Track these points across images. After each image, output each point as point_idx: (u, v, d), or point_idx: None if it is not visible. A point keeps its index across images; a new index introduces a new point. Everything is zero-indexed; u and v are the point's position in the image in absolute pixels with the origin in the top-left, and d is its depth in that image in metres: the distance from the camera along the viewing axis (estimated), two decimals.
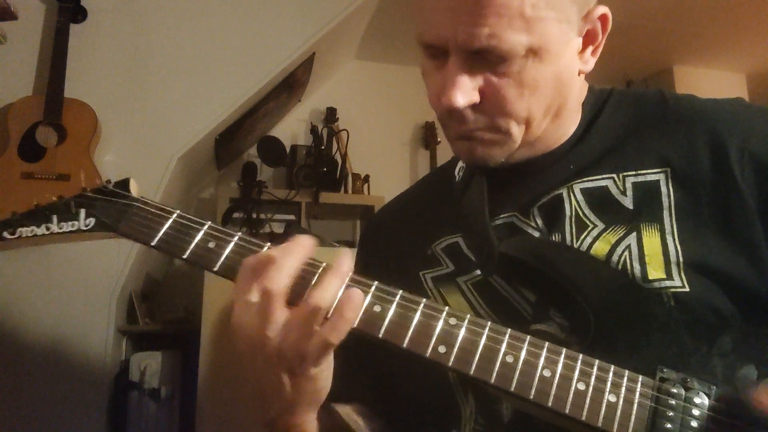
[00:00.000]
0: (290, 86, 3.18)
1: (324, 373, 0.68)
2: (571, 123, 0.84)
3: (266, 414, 0.72)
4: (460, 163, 0.94)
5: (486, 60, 0.71)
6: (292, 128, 3.74)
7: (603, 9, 0.77)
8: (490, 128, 0.76)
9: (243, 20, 2.83)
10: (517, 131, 0.76)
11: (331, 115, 3.68)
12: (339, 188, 3.53)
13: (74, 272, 2.51)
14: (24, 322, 2.44)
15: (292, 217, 3.41)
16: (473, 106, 0.74)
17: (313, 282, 0.68)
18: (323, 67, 3.45)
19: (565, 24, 0.72)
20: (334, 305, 0.66)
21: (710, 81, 4.16)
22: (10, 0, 2.50)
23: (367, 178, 3.67)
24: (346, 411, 0.84)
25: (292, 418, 0.71)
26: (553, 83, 0.75)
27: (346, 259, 0.69)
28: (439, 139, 3.89)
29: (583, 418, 0.62)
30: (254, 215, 3.21)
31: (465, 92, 0.72)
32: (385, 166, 3.81)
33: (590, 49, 0.79)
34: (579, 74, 0.80)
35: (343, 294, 0.67)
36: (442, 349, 0.66)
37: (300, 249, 0.68)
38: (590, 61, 0.79)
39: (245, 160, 3.46)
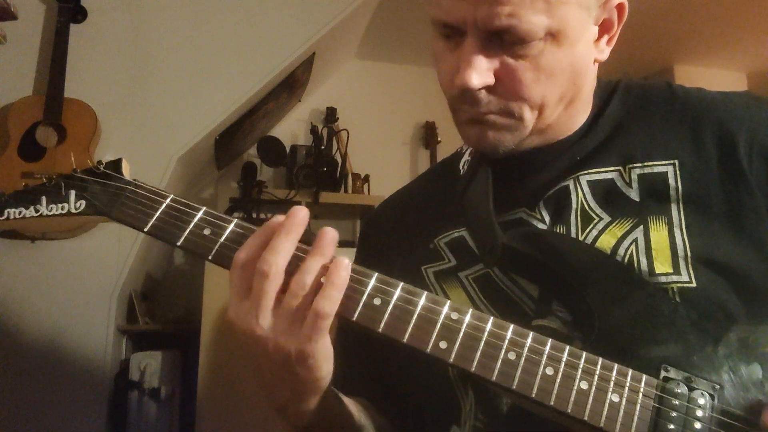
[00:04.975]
0: (290, 86, 3.18)
1: (323, 363, 0.67)
2: (581, 113, 0.83)
3: (275, 402, 0.71)
4: (465, 157, 0.93)
5: (503, 42, 0.70)
6: (292, 128, 3.73)
7: None
8: (502, 112, 0.75)
9: (243, 20, 2.83)
10: (529, 117, 0.76)
11: (331, 115, 3.67)
12: (339, 188, 3.53)
13: (74, 271, 2.51)
14: (24, 322, 2.43)
15: None
16: (487, 89, 0.73)
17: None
18: (323, 67, 3.45)
19: (585, 11, 0.72)
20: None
21: (711, 80, 4.16)
22: (10, 0, 2.49)
23: (367, 178, 3.66)
24: (353, 403, 0.83)
25: (300, 405, 0.70)
26: (569, 70, 0.74)
27: (324, 235, 0.67)
28: (439, 139, 3.88)
29: (585, 417, 0.61)
30: (254, 215, 3.21)
31: (480, 73, 0.71)
32: (385, 166, 3.80)
33: (605, 38, 0.78)
34: (594, 63, 0.79)
35: (331, 263, 0.65)
36: (443, 344, 0.64)
37: (293, 227, 0.66)
38: (605, 51, 0.79)
39: (245, 160, 3.46)
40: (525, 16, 0.68)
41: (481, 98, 0.74)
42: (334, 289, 0.64)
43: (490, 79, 0.72)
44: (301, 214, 0.67)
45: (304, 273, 0.64)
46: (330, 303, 0.63)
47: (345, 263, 0.65)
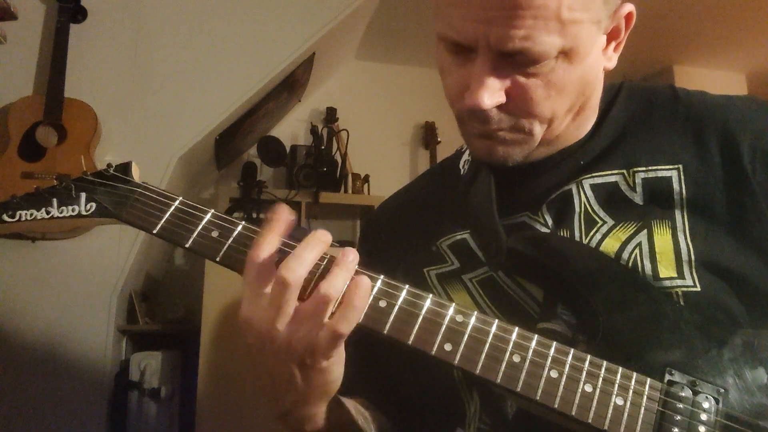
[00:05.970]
0: (290, 86, 3.18)
1: (335, 366, 0.67)
2: (589, 121, 0.83)
3: (280, 406, 0.71)
4: (465, 157, 0.93)
5: (515, 61, 0.70)
6: (292, 128, 3.73)
7: (629, 7, 0.76)
8: (513, 129, 0.75)
9: (243, 20, 2.83)
10: (539, 131, 0.75)
11: (331, 115, 3.68)
12: (339, 188, 3.53)
13: (74, 272, 2.51)
14: (24, 322, 2.43)
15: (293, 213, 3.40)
16: (498, 106, 0.72)
17: (317, 273, 0.67)
18: (323, 67, 3.45)
19: (596, 24, 0.71)
20: (342, 295, 0.65)
21: (710, 81, 4.16)
22: (10, 0, 2.49)
23: (367, 178, 3.66)
24: (354, 405, 0.83)
25: (305, 409, 0.70)
26: (579, 83, 0.74)
27: (350, 251, 0.67)
28: (439, 139, 3.88)
29: (590, 420, 0.61)
30: (254, 215, 3.21)
31: (492, 94, 0.70)
32: (385, 166, 3.81)
33: (613, 45, 0.78)
34: (602, 71, 0.79)
35: (351, 282, 0.65)
36: (448, 347, 0.65)
37: (319, 243, 0.66)
38: (613, 58, 0.78)
39: (245, 160, 3.46)
40: (539, 38, 0.67)
41: (492, 116, 0.73)
42: (354, 311, 0.64)
43: (502, 99, 0.71)
44: (326, 236, 0.67)
45: (330, 286, 0.64)
46: (348, 324, 0.64)
47: (366, 284, 0.65)
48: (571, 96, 0.74)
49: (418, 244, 0.89)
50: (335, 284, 0.64)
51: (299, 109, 3.73)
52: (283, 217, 0.68)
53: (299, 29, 2.87)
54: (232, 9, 2.83)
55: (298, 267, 0.64)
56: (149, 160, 2.61)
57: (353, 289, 0.64)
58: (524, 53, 0.68)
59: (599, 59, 0.76)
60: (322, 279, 0.65)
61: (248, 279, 0.66)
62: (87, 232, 2.52)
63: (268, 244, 0.66)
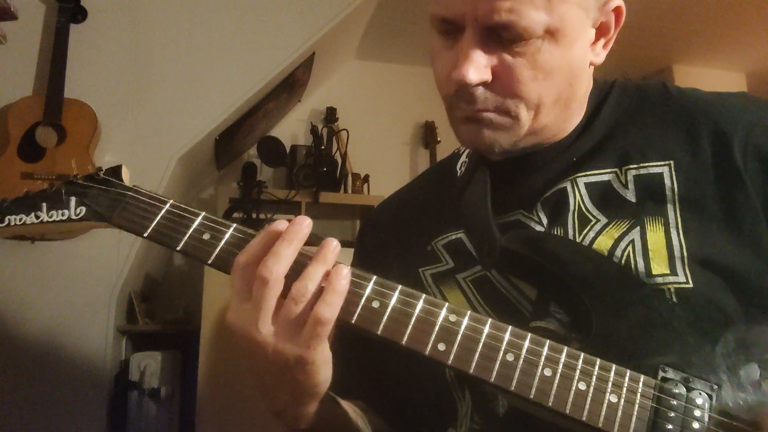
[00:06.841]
0: (290, 86, 3.18)
1: (321, 368, 0.67)
2: (576, 115, 0.83)
3: (273, 406, 0.71)
4: (462, 158, 0.93)
5: (501, 38, 0.71)
6: (292, 128, 3.73)
7: (618, 1, 0.76)
8: (499, 110, 0.75)
9: (243, 20, 2.83)
10: (525, 116, 0.75)
11: (331, 114, 3.67)
12: (339, 188, 3.53)
13: (74, 272, 2.51)
14: (23, 322, 2.43)
15: (292, 217, 3.40)
16: (484, 85, 0.73)
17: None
18: (323, 67, 3.45)
19: (584, 11, 0.72)
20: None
21: (710, 80, 4.15)
22: (10, 0, 2.50)
23: (367, 178, 3.66)
24: (351, 406, 0.84)
25: (297, 410, 0.71)
26: (566, 70, 0.74)
27: (329, 242, 0.68)
28: (439, 139, 3.88)
29: (584, 418, 0.61)
30: (254, 215, 3.21)
31: (478, 68, 0.71)
32: (385, 165, 3.80)
33: (602, 41, 0.78)
34: (590, 66, 0.80)
35: (332, 270, 0.66)
36: (441, 346, 0.65)
37: (296, 236, 0.67)
38: (601, 54, 0.79)
39: (245, 161, 3.46)
40: (525, 12, 0.68)
41: (478, 95, 0.74)
42: (335, 295, 0.64)
43: (488, 76, 0.72)
44: (304, 224, 0.68)
45: (306, 279, 0.65)
46: (330, 309, 0.64)
47: (345, 271, 0.66)
48: (558, 82, 0.74)
49: (414, 245, 0.89)
50: (310, 279, 0.65)
51: (299, 109, 3.72)
52: (276, 227, 0.68)
53: (299, 29, 2.87)
54: (232, 9, 2.83)
55: (276, 264, 0.64)
56: (149, 160, 2.62)
57: (333, 274, 0.65)
58: (510, 27, 0.69)
59: (587, 52, 0.77)
60: (299, 279, 0.65)
61: (234, 283, 0.67)
62: (86, 233, 2.52)
63: (255, 250, 0.67)
